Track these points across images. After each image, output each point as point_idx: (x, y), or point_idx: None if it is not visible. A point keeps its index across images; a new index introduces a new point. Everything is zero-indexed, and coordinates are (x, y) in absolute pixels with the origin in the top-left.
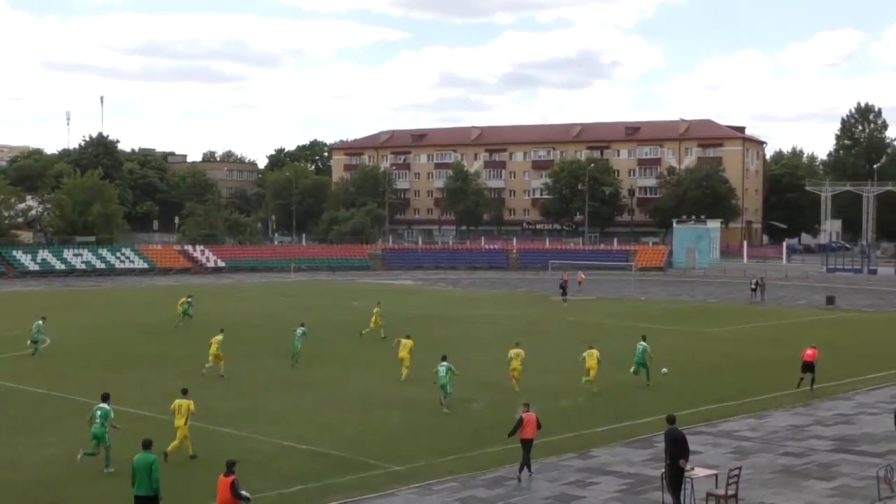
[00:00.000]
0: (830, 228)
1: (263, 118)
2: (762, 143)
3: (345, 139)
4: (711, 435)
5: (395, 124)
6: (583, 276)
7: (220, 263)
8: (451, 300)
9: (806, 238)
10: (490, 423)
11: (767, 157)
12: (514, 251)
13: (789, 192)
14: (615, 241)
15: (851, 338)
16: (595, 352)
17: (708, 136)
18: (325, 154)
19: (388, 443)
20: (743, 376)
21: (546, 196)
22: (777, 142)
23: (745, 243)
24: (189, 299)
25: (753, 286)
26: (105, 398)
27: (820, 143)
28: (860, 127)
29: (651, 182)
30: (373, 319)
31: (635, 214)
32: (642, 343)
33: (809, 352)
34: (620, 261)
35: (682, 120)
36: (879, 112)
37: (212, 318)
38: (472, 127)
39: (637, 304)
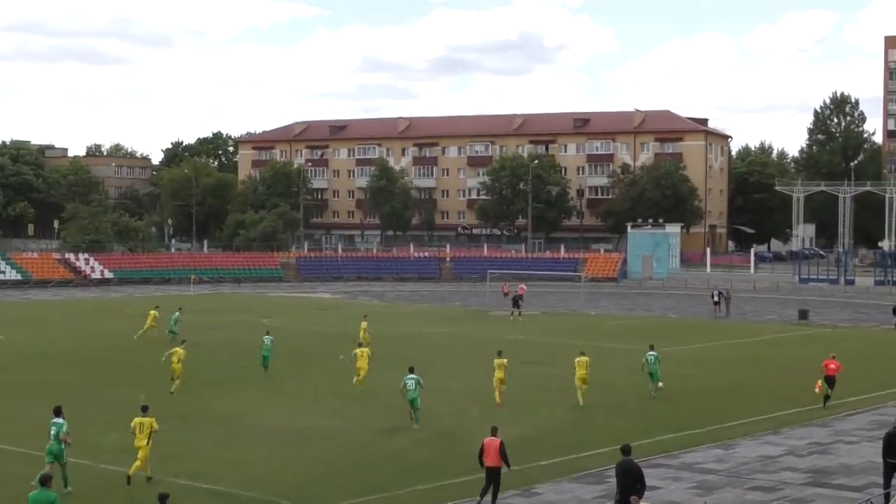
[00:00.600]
0: (803, 234)
1: (157, 107)
2: (727, 137)
3: (253, 131)
4: (672, 468)
5: (311, 114)
6: (524, 287)
7: (108, 274)
8: (375, 316)
9: (776, 244)
10: (421, 458)
11: (733, 153)
12: (448, 260)
13: (757, 193)
14: (562, 248)
15: (827, 356)
16: (585, 359)
17: (666, 129)
18: (230, 149)
19: (304, 481)
20: (707, 401)
21: (484, 197)
22: (743, 136)
23: (708, 250)
24: (178, 313)
25: (716, 299)
26: (58, 412)
27: (791, 137)
28: (835, 119)
29: (602, 181)
30: (360, 335)
31: (585, 218)
32: (652, 353)
33: (833, 365)
34: (568, 270)
35: (637, 111)
36: (857, 103)
37: (105, 339)
38: (399, 118)
39: (587, 320)
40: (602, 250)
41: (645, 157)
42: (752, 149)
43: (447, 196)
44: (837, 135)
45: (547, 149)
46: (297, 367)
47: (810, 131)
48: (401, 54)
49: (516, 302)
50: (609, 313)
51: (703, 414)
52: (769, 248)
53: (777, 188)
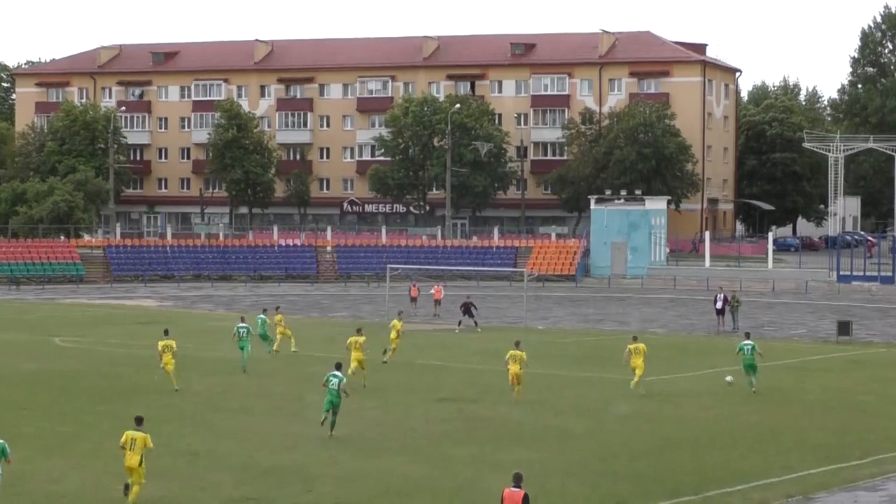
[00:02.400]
0: (843, 211)
1: None
2: (734, 71)
3: (37, 60)
4: None
5: (126, 36)
6: (441, 289)
7: None
8: (221, 334)
9: (804, 227)
10: None
11: (743, 94)
12: (329, 250)
13: (777, 152)
14: (496, 232)
15: (877, 390)
16: (642, 346)
17: (646, 58)
18: (4, 85)
19: None
20: (706, 454)
21: (381, 158)
22: (757, 70)
23: (707, 236)
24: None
25: (720, 305)
26: None
27: (826, 71)
28: (890, 45)
29: (554, 135)
30: (392, 337)
31: (528, 189)
32: (748, 342)
33: None
34: (505, 264)
35: (605, 33)
36: None
37: None
38: (256, 41)
39: (533, 337)
40: (553, 235)
41: (616, 100)
42: (771, 88)
43: (327, 156)
44: (893, 68)
45: (473, 88)
46: (101, 410)
47: (854, 63)
48: None
49: (468, 309)
50: (564, 327)
51: (701, 472)
52: (794, 232)
53: (806, 145)
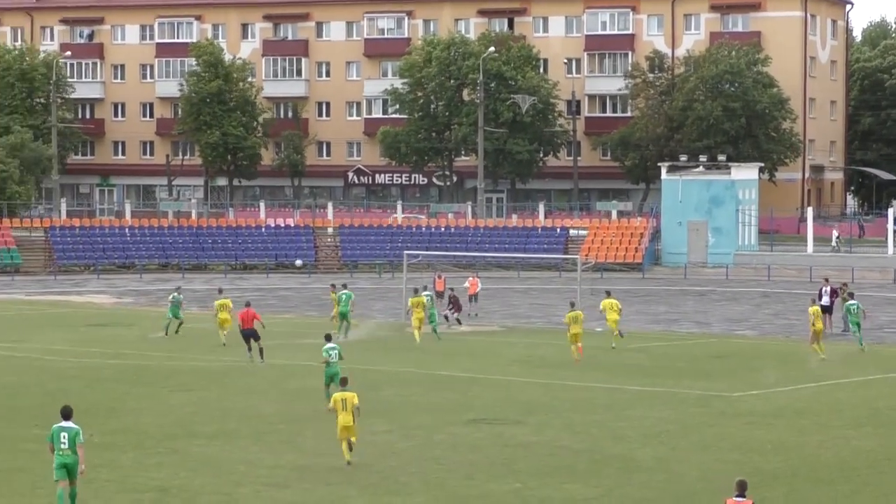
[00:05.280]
0: None
1: None
2: (843, 3)
3: None
4: None
5: None
6: (477, 281)
7: None
8: (195, 338)
9: None
10: None
11: (855, 33)
12: (331, 232)
13: None
14: (541, 209)
15: None
16: (615, 301)
17: None
18: None
19: None
20: (806, 490)
21: (396, 115)
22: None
23: (809, 213)
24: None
25: (826, 301)
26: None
27: None
28: None
29: (614, 85)
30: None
31: (582, 154)
32: (853, 301)
33: None
34: (553, 249)
35: None
36: None
37: None
38: None
39: (590, 341)
40: (614, 213)
41: (693, 42)
42: (892, 25)
43: (327, 114)
44: None
45: (512, 26)
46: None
47: None
48: None
49: (456, 302)
50: (628, 329)
51: None
52: None
53: None
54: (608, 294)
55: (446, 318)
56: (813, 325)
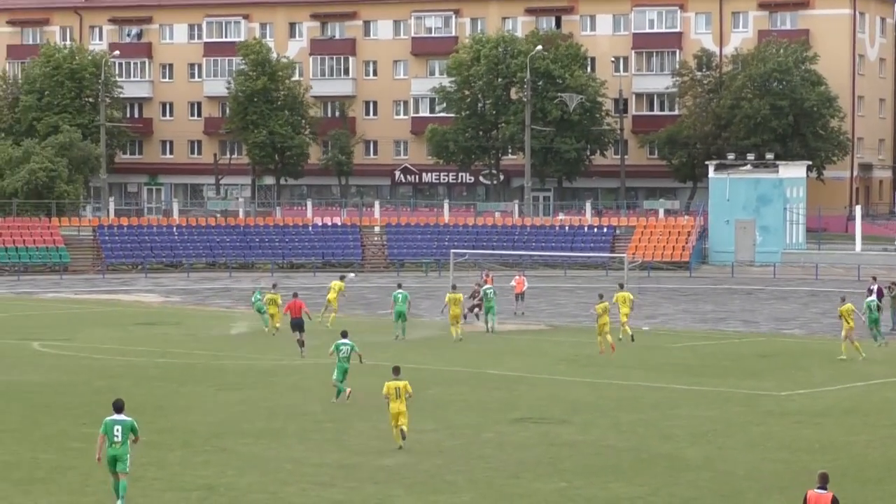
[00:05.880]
0: None
1: None
2: (893, 1)
3: None
4: None
5: None
6: (523, 280)
7: None
8: (241, 337)
9: None
10: None
11: None
12: (378, 231)
13: None
14: (587, 207)
15: None
16: (627, 294)
17: None
18: None
19: None
20: (854, 491)
21: (442, 115)
22: None
23: (857, 211)
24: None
25: (877, 301)
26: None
27: None
28: None
29: (662, 84)
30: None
31: (629, 152)
32: (872, 298)
33: None
34: (599, 248)
35: None
36: None
37: None
38: None
39: (637, 341)
40: (661, 212)
41: (741, 40)
42: None
43: (374, 113)
44: None
45: (559, 24)
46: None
47: None
48: None
49: (473, 307)
50: (675, 328)
51: None
52: None
53: None
54: (621, 287)
55: (470, 311)
56: (846, 321)
